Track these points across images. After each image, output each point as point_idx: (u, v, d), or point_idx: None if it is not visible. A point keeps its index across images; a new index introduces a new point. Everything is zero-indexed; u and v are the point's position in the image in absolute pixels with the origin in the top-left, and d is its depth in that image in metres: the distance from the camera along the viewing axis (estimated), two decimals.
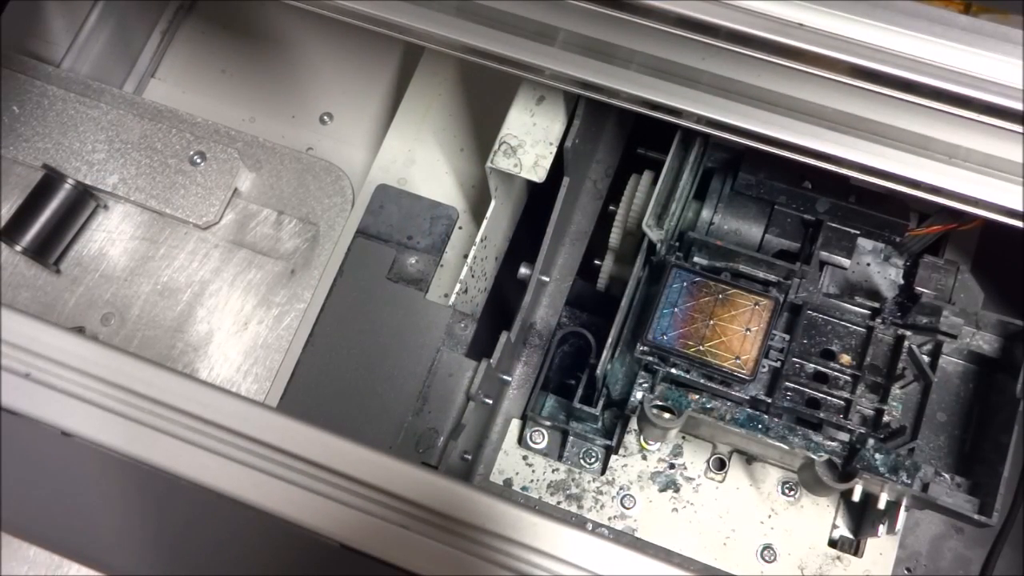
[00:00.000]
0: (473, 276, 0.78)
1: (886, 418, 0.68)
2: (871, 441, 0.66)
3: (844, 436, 0.68)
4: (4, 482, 0.54)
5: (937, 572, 0.75)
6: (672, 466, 0.78)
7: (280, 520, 0.52)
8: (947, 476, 0.66)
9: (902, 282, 0.73)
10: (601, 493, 0.77)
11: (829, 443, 0.67)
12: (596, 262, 0.82)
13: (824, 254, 0.73)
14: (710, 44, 0.60)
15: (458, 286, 0.76)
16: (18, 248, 0.84)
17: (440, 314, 0.76)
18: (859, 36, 0.57)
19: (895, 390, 0.68)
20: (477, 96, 0.91)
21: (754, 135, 0.62)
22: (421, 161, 0.88)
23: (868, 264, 0.73)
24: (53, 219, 0.85)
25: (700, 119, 0.63)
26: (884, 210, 0.73)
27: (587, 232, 0.86)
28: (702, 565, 0.75)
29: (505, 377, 0.79)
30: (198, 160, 0.87)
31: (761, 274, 0.71)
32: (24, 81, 0.90)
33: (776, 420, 0.67)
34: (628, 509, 0.77)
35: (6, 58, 0.91)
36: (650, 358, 0.69)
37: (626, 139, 0.88)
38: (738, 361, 0.67)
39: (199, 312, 0.86)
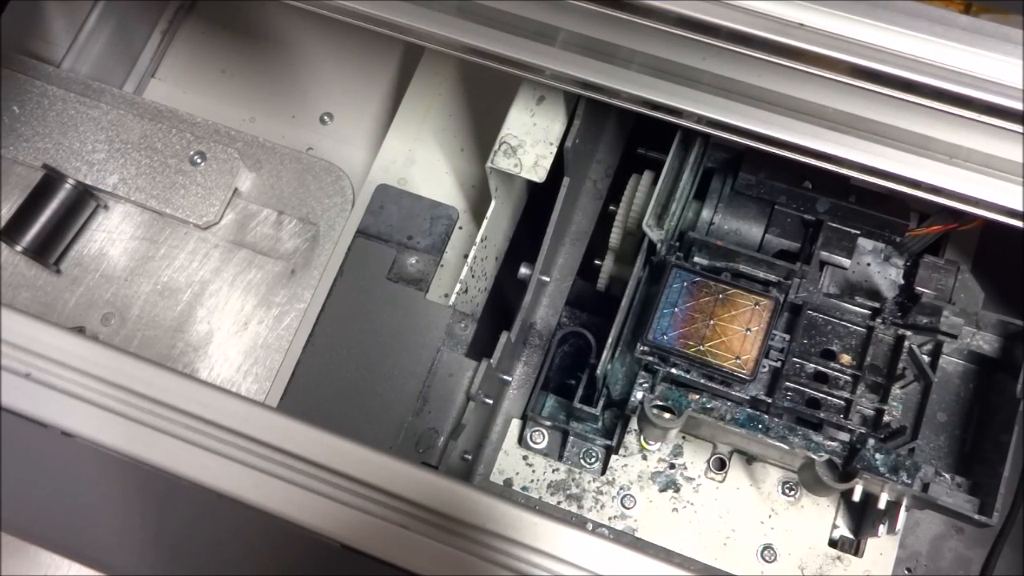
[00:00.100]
0: (473, 276, 0.78)
1: (886, 418, 0.68)
2: (871, 441, 0.66)
3: (844, 436, 0.68)
4: (4, 482, 0.54)
5: (937, 572, 0.75)
6: (672, 466, 0.78)
7: (280, 520, 0.52)
8: (947, 476, 0.66)
9: (902, 282, 0.73)
10: (601, 493, 0.77)
11: (829, 443, 0.67)
12: (596, 262, 0.82)
13: (824, 254, 0.73)
14: (711, 44, 0.60)
15: (458, 286, 0.76)
16: (18, 248, 0.84)
17: (440, 314, 0.76)
18: (859, 36, 0.57)
19: (895, 390, 0.68)
20: (477, 96, 0.91)
21: (754, 135, 0.62)
22: (421, 161, 0.88)
23: (868, 264, 0.73)
24: (53, 219, 0.85)
25: (700, 119, 0.63)
26: (884, 210, 0.73)
27: (587, 232, 0.86)
28: (702, 565, 0.75)
29: (505, 377, 0.79)
30: (198, 160, 0.87)
31: (761, 274, 0.71)
32: (24, 81, 0.90)
33: (776, 420, 0.67)
34: (628, 509, 0.77)
35: (6, 58, 0.91)
36: (650, 358, 0.69)
37: (626, 139, 0.88)
38: (738, 361, 0.67)
39: (199, 312, 0.86)
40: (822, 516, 0.76)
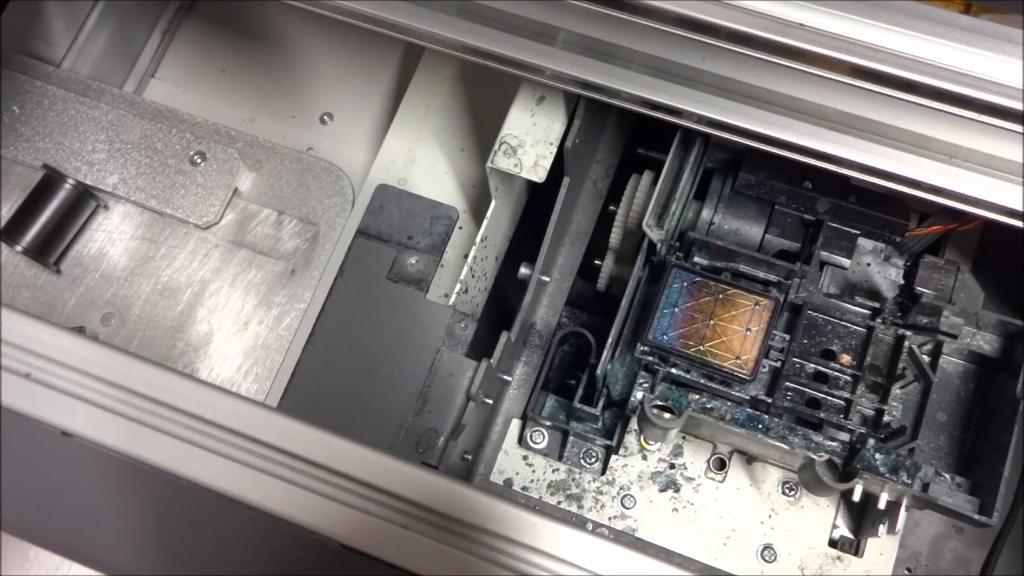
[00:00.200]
0: (473, 276, 0.78)
1: (886, 418, 0.68)
2: (871, 441, 0.66)
3: (844, 436, 0.68)
4: (4, 482, 0.54)
5: (937, 572, 0.75)
6: (672, 466, 0.78)
7: (280, 520, 0.52)
8: (947, 476, 0.66)
9: (902, 282, 0.73)
10: (601, 493, 0.77)
11: (829, 443, 0.67)
12: (596, 262, 0.82)
13: (824, 254, 0.73)
14: (710, 44, 0.60)
15: (458, 286, 0.76)
16: (18, 248, 0.84)
17: (440, 314, 0.76)
18: (859, 36, 0.57)
19: (895, 390, 0.68)
20: (477, 96, 0.91)
21: (754, 135, 0.62)
22: (421, 161, 0.88)
23: (868, 264, 0.73)
24: (53, 219, 0.85)
25: (700, 119, 0.63)
26: (884, 210, 0.73)
27: (587, 232, 0.86)
28: (702, 565, 0.75)
29: (505, 377, 0.79)
30: (198, 160, 0.87)
31: (761, 274, 0.71)
32: (24, 81, 0.90)
33: (776, 420, 0.67)
34: (628, 509, 0.77)
35: (6, 58, 0.91)
36: (650, 358, 0.69)
37: (626, 139, 0.88)
38: (738, 361, 0.67)
39: (199, 312, 0.86)
40: (822, 516, 0.76)
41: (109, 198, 0.89)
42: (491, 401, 0.76)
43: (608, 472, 0.77)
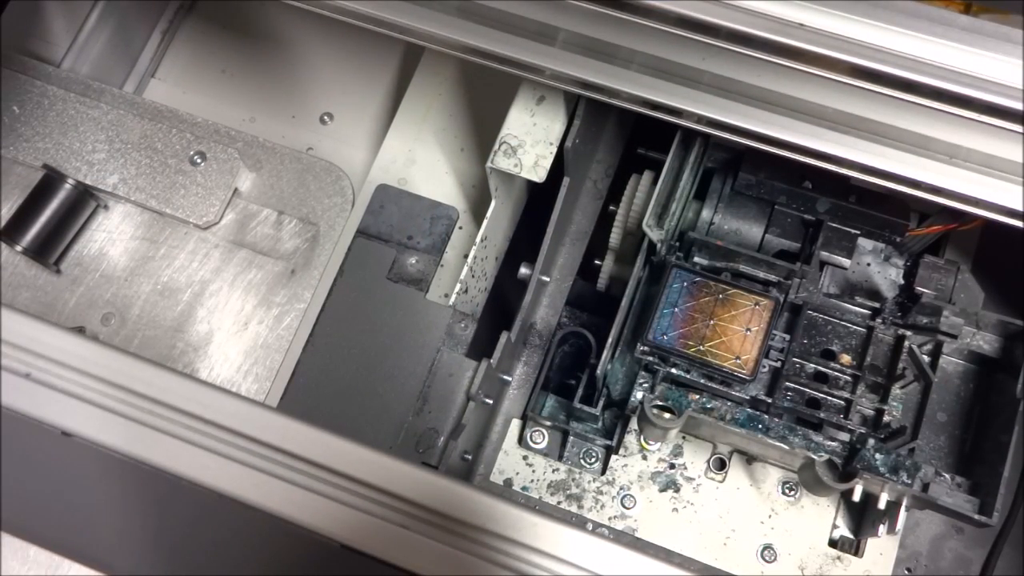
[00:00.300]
0: (473, 276, 0.78)
1: (886, 418, 0.68)
2: (871, 441, 0.66)
3: (844, 436, 0.68)
4: (4, 482, 0.54)
5: (937, 572, 0.75)
6: (672, 466, 0.78)
7: (280, 520, 0.52)
8: (947, 476, 0.66)
9: (902, 282, 0.73)
10: (601, 493, 0.77)
11: (829, 443, 0.67)
12: (596, 262, 0.82)
13: (824, 254, 0.73)
14: (710, 44, 0.60)
15: (458, 286, 0.76)
16: (18, 248, 0.84)
17: (440, 314, 0.76)
18: (859, 36, 0.57)
19: (895, 390, 0.68)
20: (477, 96, 0.91)
21: (754, 135, 0.62)
22: (421, 161, 0.88)
23: (868, 264, 0.73)
24: (53, 219, 0.85)
25: (700, 119, 0.63)
26: (884, 210, 0.73)
27: (587, 232, 0.86)
28: (702, 565, 0.75)
29: (505, 377, 0.79)
30: (198, 160, 0.87)
31: (761, 274, 0.71)
32: (24, 81, 0.90)
33: (776, 420, 0.67)
34: (628, 509, 0.77)
35: (6, 58, 0.91)
36: (650, 358, 0.69)
37: (626, 139, 0.88)
38: (738, 361, 0.67)
39: (199, 312, 0.86)
40: (822, 516, 0.76)
41: (109, 198, 0.89)
42: (491, 401, 0.76)
43: (608, 472, 0.77)
